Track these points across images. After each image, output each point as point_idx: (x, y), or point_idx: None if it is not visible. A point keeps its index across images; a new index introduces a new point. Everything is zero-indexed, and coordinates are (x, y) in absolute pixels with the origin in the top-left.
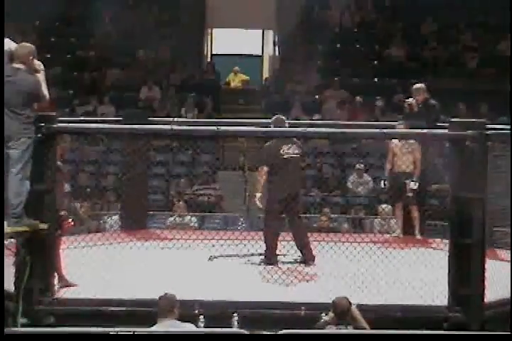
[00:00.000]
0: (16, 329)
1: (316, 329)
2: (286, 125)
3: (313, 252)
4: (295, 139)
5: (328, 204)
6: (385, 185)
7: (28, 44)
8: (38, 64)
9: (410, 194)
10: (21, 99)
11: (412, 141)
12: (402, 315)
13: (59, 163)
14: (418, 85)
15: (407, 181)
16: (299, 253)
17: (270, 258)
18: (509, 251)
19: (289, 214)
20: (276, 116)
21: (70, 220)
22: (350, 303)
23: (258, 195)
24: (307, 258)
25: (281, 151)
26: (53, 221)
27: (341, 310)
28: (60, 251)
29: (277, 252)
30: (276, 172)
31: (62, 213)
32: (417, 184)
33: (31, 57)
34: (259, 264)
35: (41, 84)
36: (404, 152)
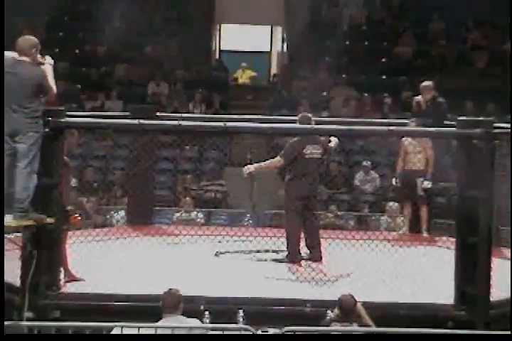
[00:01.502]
0: (21, 322)
1: (322, 327)
2: (313, 123)
3: (322, 253)
4: (322, 138)
5: (335, 202)
6: (397, 182)
7: (31, 37)
8: (47, 58)
9: (422, 193)
10: (26, 92)
11: (424, 139)
12: (407, 313)
13: (65, 157)
14: (426, 83)
15: (419, 179)
16: (306, 251)
17: (295, 255)
18: None
19: (304, 213)
20: (303, 113)
21: (77, 215)
22: (355, 301)
23: (252, 167)
24: (315, 257)
25: (305, 151)
26: (60, 215)
27: (347, 308)
28: (67, 245)
29: (300, 249)
30: (296, 171)
31: (69, 208)
32: (430, 183)
33: (34, 50)
34: (282, 262)
35: (46, 76)
36: (416, 150)
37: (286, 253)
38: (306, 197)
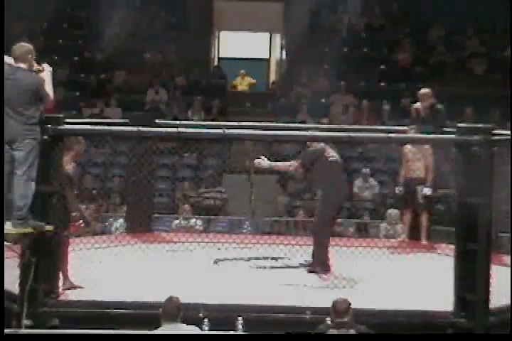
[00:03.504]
0: (20, 330)
1: (317, 332)
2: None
3: (330, 262)
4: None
5: None
6: (400, 191)
7: (26, 44)
8: (45, 65)
9: (422, 200)
10: (22, 99)
11: (424, 146)
12: (407, 320)
13: (73, 164)
14: (425, 90)
15: (419, 187)
16: (306, 257)
17: (326, 264)
18: None
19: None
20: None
21: (81, 222)
22: (349, 303)
23: (266, 163)
24: (317, 264)
25: (326, 154)
26: (59, 223)
27: (340, 309)
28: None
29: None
30: (326, 176)
31: (74, 214)
32: (431, 190)
33: (30, 56)
34: (313, 273)
35: (43, 83)
36: (416, 157)
37: (311, 261)
38: (342, 203)
